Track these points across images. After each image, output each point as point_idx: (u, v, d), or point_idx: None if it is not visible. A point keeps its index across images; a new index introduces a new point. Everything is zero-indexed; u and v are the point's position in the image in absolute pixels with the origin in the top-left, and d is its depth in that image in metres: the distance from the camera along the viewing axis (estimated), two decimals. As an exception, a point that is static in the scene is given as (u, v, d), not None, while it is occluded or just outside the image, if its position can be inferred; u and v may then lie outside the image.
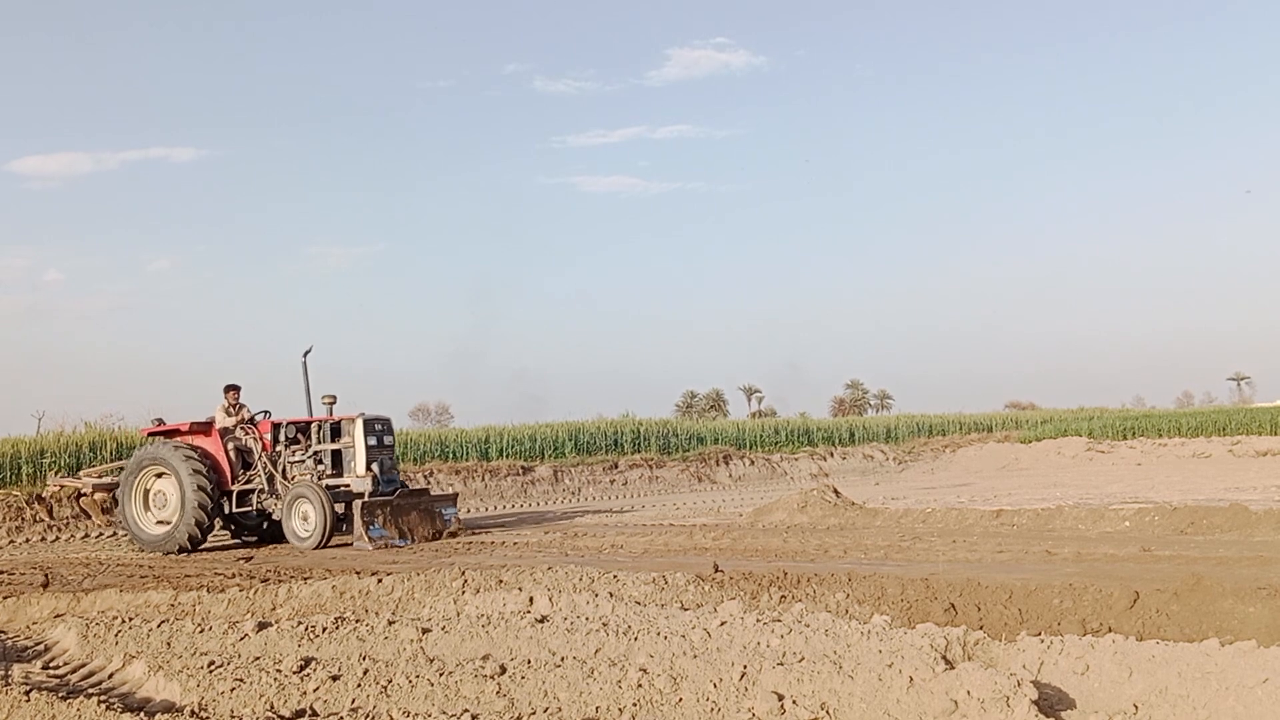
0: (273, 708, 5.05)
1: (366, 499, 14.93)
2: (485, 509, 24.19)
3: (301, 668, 5.47)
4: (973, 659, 4.78)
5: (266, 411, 16.75)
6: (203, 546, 15.68)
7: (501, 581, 8.16)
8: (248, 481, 16.12)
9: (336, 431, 15.87)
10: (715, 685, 4.55)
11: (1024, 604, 6.39)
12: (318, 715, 4.94)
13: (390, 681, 5.15)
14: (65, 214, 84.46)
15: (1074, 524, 12.02)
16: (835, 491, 16.60)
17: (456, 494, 17.96)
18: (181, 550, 15.28)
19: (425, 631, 6.30)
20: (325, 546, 14.72)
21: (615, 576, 8.01)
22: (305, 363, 16.49)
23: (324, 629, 6.54)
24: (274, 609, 8.31)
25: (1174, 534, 10.84)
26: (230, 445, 16.22)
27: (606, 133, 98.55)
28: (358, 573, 9.93)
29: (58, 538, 19.12)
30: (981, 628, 5.96)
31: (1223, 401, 67.06)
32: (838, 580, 7.39)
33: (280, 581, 9.78)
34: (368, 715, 4.80)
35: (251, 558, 13.76)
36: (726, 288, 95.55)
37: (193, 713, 4.99)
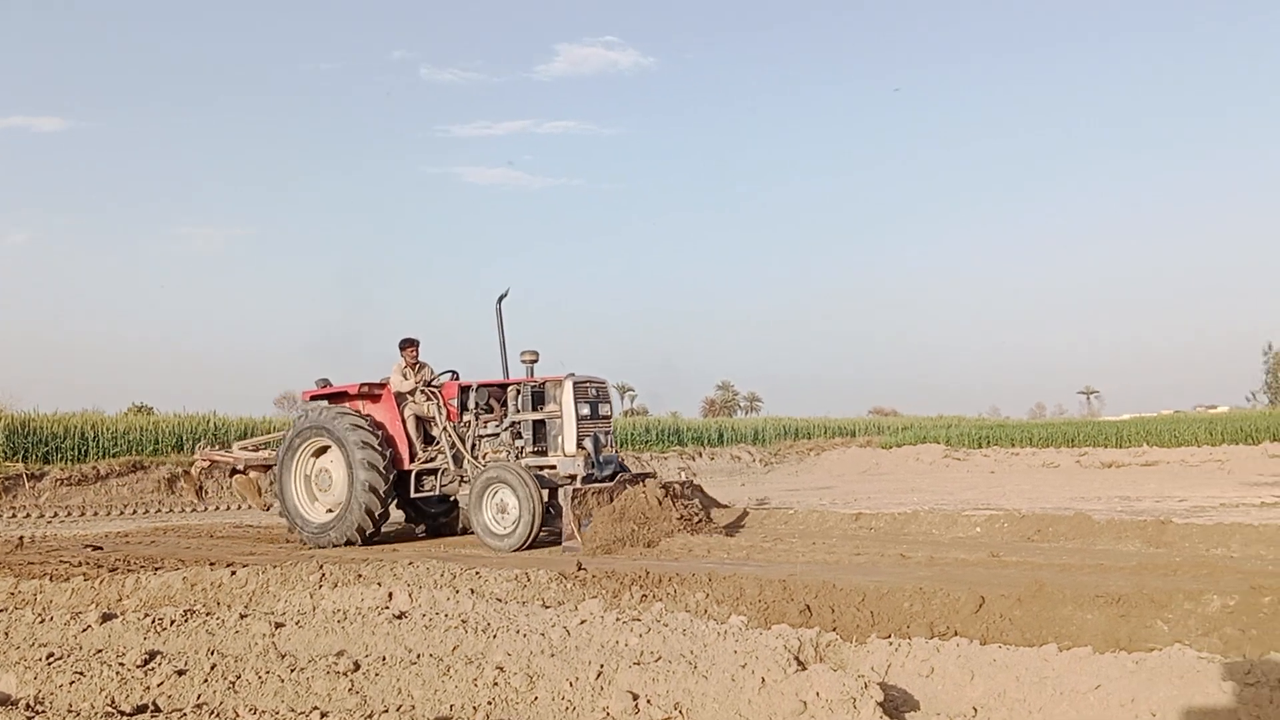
0: (114, 702, 4.86)
1: (579, 485, 11.80)
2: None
3: (146, 661, 5.27)
4: (824, 660, 4.89)
5: (454, 372, 13.84)
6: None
7: (360, 576, 8.02)
8: (429, 459, 13.31)
9: (540, 398, 12.90)
10: (571, 684, 4.55)
11: (876, 606, 6.57)
12: (160, 711, 4.77)
13: (239, 677, 5.01)
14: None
15: (928, 529, 12.38)
16: (702, 491, 16.75)
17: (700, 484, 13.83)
18: (349, 543, 12.69)
19: (278, 626, 6.14)
20: (533, 546, 11.66)
21: (478, 573, 7.95)
22: (500, 309, 13.43)
23: (172, 622, 6.33)
24: (120, 600, 8.00)
25: (1022, 541, 11.25)
26: (408, 413, 13.37)
27: (491, 125, 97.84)
28: (211, 564, 9.63)
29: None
30: (835, 629, 6.10)
31: (1073, 414, 70.24)
32: (698, 580, 7.47)
33: (129, 571, 9.42)
34: (213, 712, 4.65)
35: (100, 546, 13.01)
36: (608, 283, 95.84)
37: (29, 706, 4.77)
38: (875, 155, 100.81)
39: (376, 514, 12.71)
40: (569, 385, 12.44)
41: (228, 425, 30.16)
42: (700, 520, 12.13)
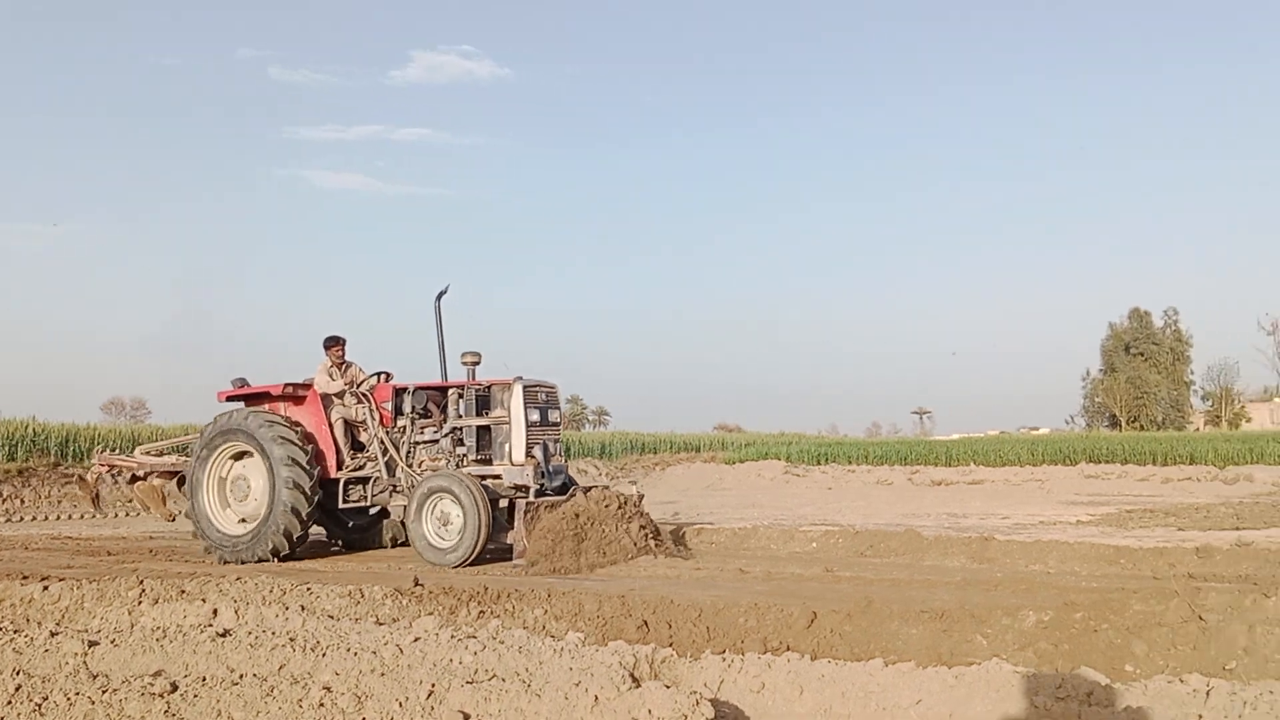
0: (-101, 730, 4.52)
1: (532, 497, 11.07)
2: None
3: (-61, 684, 4.91)
4: (659, 677, 4.92)
5: (385, 373, 12.89)
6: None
7: (184, 592, 7.67)
8: (358, 467, 12.33)
9: (485, 402, 11.96)
10: (401, 704, 4.44)
11: (712, 622, 6.64)
12: (-47, 738, 4.46)
13: (46, 699, 4.71)
14: None
15: (767, 543, 12.62)
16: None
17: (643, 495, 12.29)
18: (262, 562, 11.56)
19: (92, 645, 5.82)
20: (477, 562, 10.88)
21: (309, 588, 7.70)
22: (439, 307, 12.46)
23: (-26, 640, 5.92)
24: (-83, 617, 7.46)
25: (855, 556, 11.58)
26: (336, 417, 12.40)
27: (344, 129, 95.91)
28: (24, 578, 9.07)
29: None
30: (671, 645, 6.14)
31: (906, 433, 72.67)
32: (537, 596, 7.42)
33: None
34: (14, 737, 4.37)
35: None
36: (459, 293, 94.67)
37: None
38: (717, 167, 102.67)
39: (295, 536, 11.75)
40: (519, 389, 11.62)
41: (48, 431, 28.55)
42: (657, 539, 11.43)
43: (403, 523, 11.92)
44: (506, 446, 11.62)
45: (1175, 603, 5.72)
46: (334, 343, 12.66)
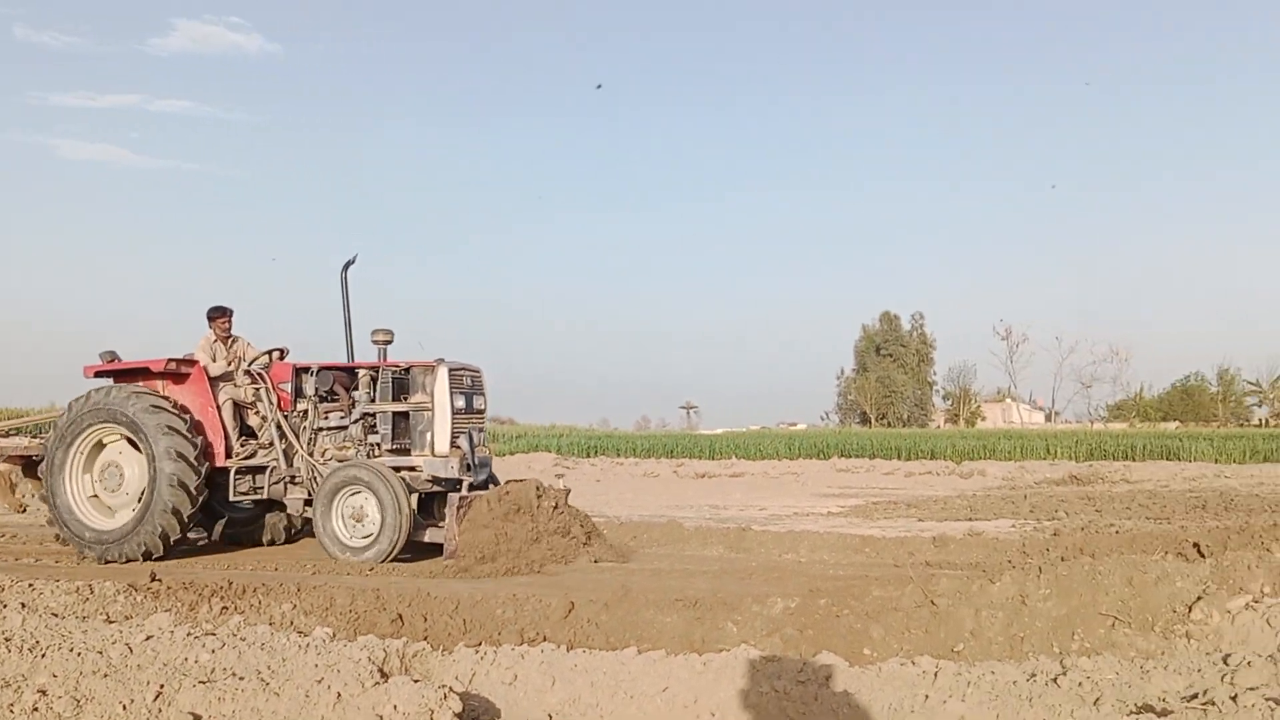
0: None
1: (465, 490, 10.02)
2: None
3: None
4: (409, 671, 4.79)
5: (280, 349, 11.48)
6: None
7: (-118, 590, 6.94)
8: (249, 455, 10.99)
9: (402, 386, 10.75)
10: (125, 707, 4.14)
11: (470, 614, 6.54)
12: None
13: None
14: None
15: (532, 536, 12.55)
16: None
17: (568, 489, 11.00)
18: (149, 555, 10.19)
19: None
20: (396, 559, 9.84)
21: (31, 585, 7.12)
22: (345, 278, 11.22)
23: None
24: None
25: (618, 547, 11.69)
26: (225, 398, 11.01)
27: (95, 96, 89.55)
28: None
29: None
30: (426, 638, 6.01)
31: (674, 427, 74.39)
32: (286, 591, 7.11)
33: None
34: None
35: None
36: (237, 275, 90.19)
37: None
38: (497, 158, 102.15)
39: (186, 514, 10.32)
40: (444, 372, 10.47)
41: None
42: (594, 535, 10.63)
43: (301, 517, 11.01)
44: (428, 435, 10.48)
45: (910, 589, 6.05)
46: (220, 314, 11.35)
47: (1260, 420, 66.99)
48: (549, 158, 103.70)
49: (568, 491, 10.70)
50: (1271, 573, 6.00)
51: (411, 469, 10.40)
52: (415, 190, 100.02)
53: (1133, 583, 5.84)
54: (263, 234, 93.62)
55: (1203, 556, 7.27)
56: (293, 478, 10.90)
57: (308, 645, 5.13)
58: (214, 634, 5.43)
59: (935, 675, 4.42)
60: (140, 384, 10.90)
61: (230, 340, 11.38)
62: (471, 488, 10.19)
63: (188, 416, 10.59)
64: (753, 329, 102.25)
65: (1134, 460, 34.04)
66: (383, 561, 9.69)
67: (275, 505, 11.43)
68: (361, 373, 10.93)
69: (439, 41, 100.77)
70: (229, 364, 11.26)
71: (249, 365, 11.31)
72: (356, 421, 10.79)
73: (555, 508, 10.16)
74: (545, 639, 6.06)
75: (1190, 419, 64.85)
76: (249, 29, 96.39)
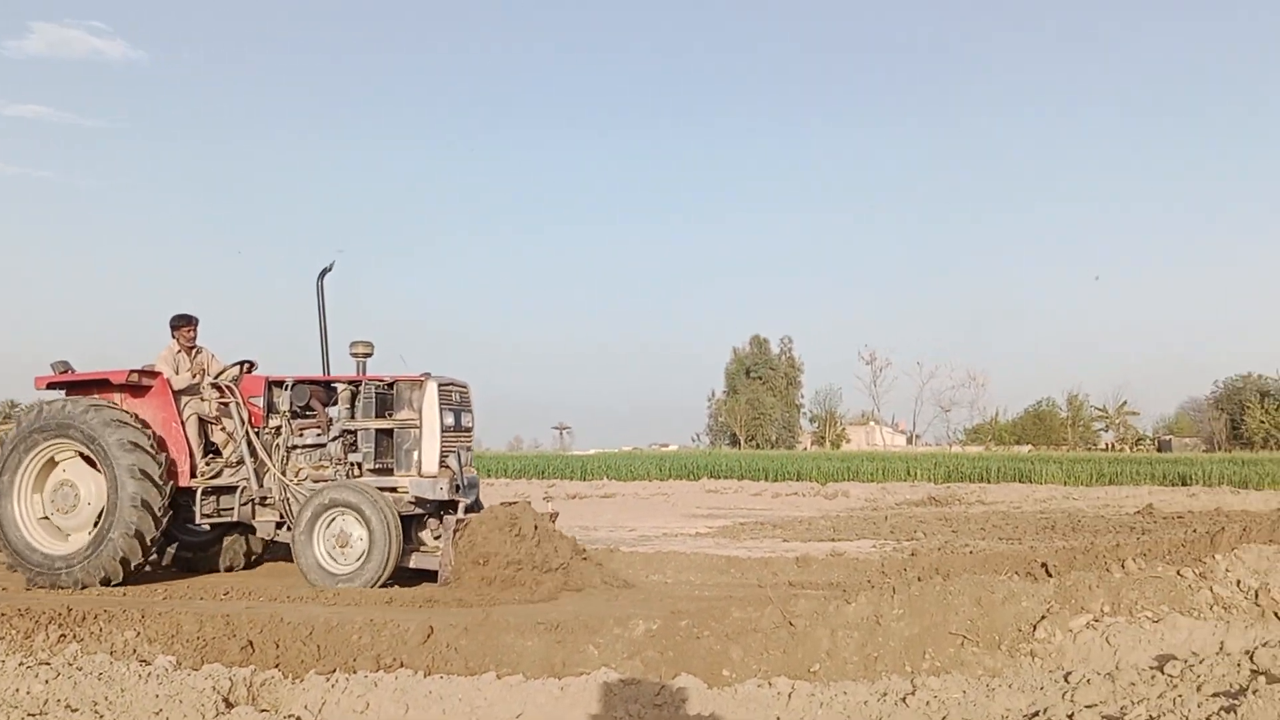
0: None
1: (462, 513, 9.45)
2: None
3: None
4: (256, 701, 4.63)
5: (248, 362, 10.66)
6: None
7: None
8: (216, 474, 10.21)
9: (384, 401, 10.02)
10: (-57, 745, 3.89)
11: (324, 640, 6.35)
12: None
13: None
14: None
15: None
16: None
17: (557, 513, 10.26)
18: (107, 581, 9.39)
19: None
20: (385, 584, 9.15)
21: None
22: (322, 286, 10.48)
23: None
24: None
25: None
26: (190, 413, 10.22)
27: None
28: None
29: None
30: (278, 666, 5.83)
31: (546, 447, 74.11)
32: (129, 617, 6.77)
33: None
34: None
35: None
36: (72, 287, 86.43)
37: None
38: (370, 187, 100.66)
39: (149, 538, 9.57)
40: (433, 388, 9.83)
41: None
42: (586, 560, 9.83)
43: (271, 540, 10.33)
44: (415, 454, 9.85)
45: (770, 610, 6.12)
46: (185, 322, 10.59)
47: (1106, 444, 70.32)
48: (424, 177, 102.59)
49: (555, 515, 10.11)
50: (1111, 592, 6.26)
51: (393, 490, 9.81)
52: (284, 205, 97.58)
53: (981, 602, 6.03)
54: (113, 245, 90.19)
55: (1050, 576, 7.55)
56: (263, 499, 10.25)
57: (149, 675, 4.92)
58: (48, 663, 5.16)
59: (790, 696, 4.48)
60: (96, 396, 10.15)
61: (195, 351, 10.70)
62: (468, 510, 9.69)
63: (151, 432, 9.87)
64: (626, 350, 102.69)
65: (989, 482, 35.22)
66: (371, 588, 9.08)
67: (234, 529, 10.78)
68: (340, 387, 10.30)
69: (309, 55, 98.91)
70: (193, 376, 10.54)
71: (217, 378, 10.57)
72: (335, 439, 10.12)
73: (554, 533, 9.61)
74: (403, 665, 5.94)
75: (1042, 443, 67.63)
76: (111, 35, 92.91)
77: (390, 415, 10.04)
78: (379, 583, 9.18)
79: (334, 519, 9.45)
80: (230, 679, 4.73)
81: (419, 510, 9.88)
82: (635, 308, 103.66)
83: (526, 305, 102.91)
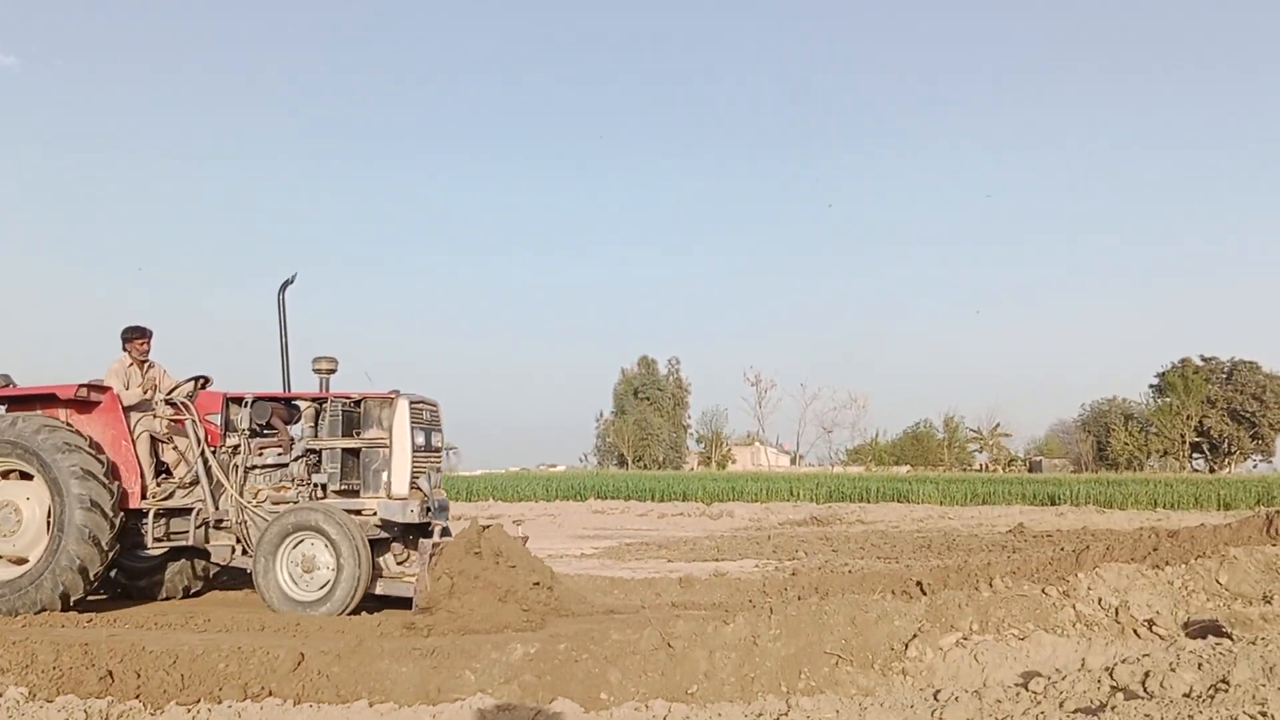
0: None
1: (439, 536, 8.86)
2: None
3: None
4: (112, 734, 4.44)
5: (203, 378, 9.93)
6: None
7: None
8: (168, 496, 9.56)
9: (351, 420, 9.51)
10: None
11: (189, 669, 6.12)
12: None
13: None
14: None
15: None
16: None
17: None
18: (43, 610, 8.63)
19: None
20: (354, 611, 8.65)
21: None
22: (283, 300, 10.07)
23: None
24: None
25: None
26: (141, 431, 9.57)
27: None
28: None
29: None
30: (139, 696, 5.62)
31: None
32: (-21, 648, 6.46)
33: None
34: None
35: None
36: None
37: None
38: (254, 205, 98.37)
39: (93, 572, 8.96)
40: (404, 406, 9.34)
41: None
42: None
43: (227, 565, 9.88)
44: (384, 475, 9.38)
45: (649, 631, 6.12)
46: (137, 335, 10.01)
47: (980, 465, 72.44)
48: (314, 199, 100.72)
49: (525, 539, 9.37)
50: (979, 611, 6.43)
51: (359, 512, 9.33)
52: (155, 221, 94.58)
53: (855, 622, 6.13)
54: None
55: (925, 595, 7.72)
56: (219, 521, 9.69)
57: (-3, 709, 4.68)
58: (-115, 699, 4.87)
59: (665, 719, 4.47)
60: (40, 412, 9.50)
61: (147, 365, 10.12)
62: (444, 533, 9.21)
63: (104, 457, 9.25)
64: (515, 370, 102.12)
65: (869, 502, 36.04)
66: (339, 615, 8.64)
67: (179, 555, 10.21)
68: (304, 405, 9.86)
69: (189, 68, 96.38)
70: (145, 392, 9.95)
71: (170, 394, 9.98)
72: (298, 459, 9.62)
73: (532, 558, 8.98)
74: (271, 693, 5.77)
75: (920, 463, 69.32)
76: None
77: (358, 434, 9.63)
78: (348, 609, 8.76)
79: (299, 543, 9.01)
80: (85, 711, 4.53)
81: (384, 534, 9.46)
82: (524, 328, 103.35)
83: (412, 325, 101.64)
